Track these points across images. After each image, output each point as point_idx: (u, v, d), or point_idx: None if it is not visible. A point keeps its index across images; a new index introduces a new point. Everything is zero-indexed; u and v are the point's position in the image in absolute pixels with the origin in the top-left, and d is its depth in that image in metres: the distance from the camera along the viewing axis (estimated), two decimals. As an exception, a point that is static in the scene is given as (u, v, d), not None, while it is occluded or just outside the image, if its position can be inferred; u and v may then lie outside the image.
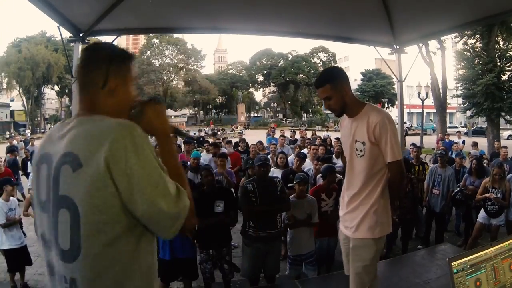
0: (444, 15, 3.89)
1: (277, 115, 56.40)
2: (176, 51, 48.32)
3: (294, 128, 25.29)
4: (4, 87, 38.00)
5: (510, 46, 14.72)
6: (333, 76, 1.93)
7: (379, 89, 37.50)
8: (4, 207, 3.89)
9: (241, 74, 54.03)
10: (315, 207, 3.64)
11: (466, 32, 14.39)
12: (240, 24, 4.64)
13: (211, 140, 8.96)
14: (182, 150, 7.09)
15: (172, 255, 3.31)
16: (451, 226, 5.79)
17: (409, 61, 5.23)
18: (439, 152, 5.63)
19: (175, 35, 45.98)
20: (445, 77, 17.31)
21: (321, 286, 3.16)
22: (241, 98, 50.48)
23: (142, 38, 59.58)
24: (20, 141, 15.16)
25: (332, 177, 3.83)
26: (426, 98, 19.68)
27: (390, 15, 4.01)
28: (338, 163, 5.51)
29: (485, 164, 5.79)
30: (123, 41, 72.20)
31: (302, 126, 34.76)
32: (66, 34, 3.77)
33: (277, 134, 10.94)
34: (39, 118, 39.94)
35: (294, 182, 3.74)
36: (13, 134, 26.76)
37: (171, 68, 47.65)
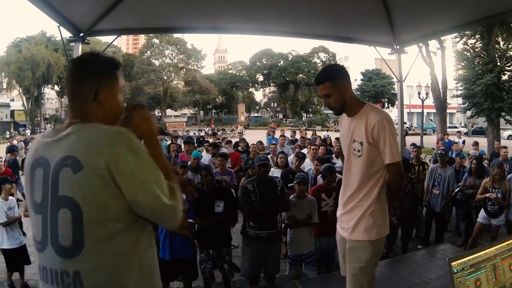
0: (444, 15, 3.90)
1: (277, 115, 56.41)
2: (176, 51, 48.31)
3: (294, 128, 25.29)
4: (4, 87, 38.04)
5: (510, 46, 14.71)
6: (333, 74, 1.91)
7: (379, 89, 37.52)
8: (4, 206, 3.89)
9: (241, 74, 54.02)
10: (315, 207, 3.64)
11: (466, 32, 14.38)
12: (240, 24, 4.64)
13: (211, 140, 8.97)
14: (183, 150, 7.10)
15: (172, 255, 3.31)
16: (451, 226, 5.79)
17: (409, 61, 5.24)
18: (439, 152, 5.62)
19: (175, 35, 46.04)
20: (445, 77, 17.31)
21: (321, 286, 3.16)
22: (241, 98, 50.47)
23: (142, 38, 59.57)
24: (20, 141, 15.18)
25: (332, 177, 3.83)
26: (426, 98, 19.68)
27: (390, 15, 4.01)
28: (338, 163, 5.51)
29: (485, 164, 5.79)
30: (123, 41, 72.38)
31: (302, 126, 34.76)
32: (66, 34, 3.77)
33: (277, 134, 10.94)
34: (39, 118, 39.97)
35: (294, 182, 3.74)
36: (13, 134, 26.77)
37: (171, 68, 47.62)
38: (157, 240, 3.80)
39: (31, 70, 34.79)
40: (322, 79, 1.89)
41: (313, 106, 53.19)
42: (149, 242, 1.09)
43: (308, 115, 53.28)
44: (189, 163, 5.13)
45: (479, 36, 14.62)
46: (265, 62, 51.70)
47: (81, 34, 3.85)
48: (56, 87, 40.93)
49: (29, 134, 27.16)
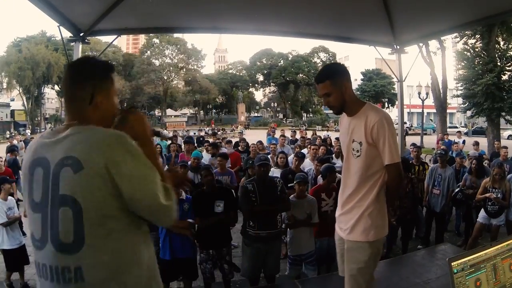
0: (444, 15, 3.89)
1: (277, 115, 56.41)
2: (176, 51, 48.30)
3: (294, 128, 25.28)
4: (4, 86, 38.05)
5: (510, 46, 14.71)
6: (334, 72, 1.88)
7: (379, 89, 37.52)
8: (4, 206, 3.90)
9: (241, 74, 54.01)
10: (315, 207, 3.64)
11: (466, 32, 14.38)
12: (240, 24, 4.64)
13: (211, 140, 8.97)
14: (183, 149, 7.11)
15: (172, 255, 3.32)
16: (451, 226, 5.79)
17: (409, 61, 5.23)
18: (439, 152, 5.62)
19: (175, 35, 46.05)
20: (445, 77, 17.30)
21: (321, 286, 3.16)
22: (241, 98, 50.46)
23: (142, 38, 59.57)
24: (20, 141, 15.15)
25: (332, 177, 3.83)
26: (426, 98, 19.65)
27: (390, 15, 4.00)
28: (338, 163, 5.51)
29: (485, 164, 5.79)
30: (123, 41, 72.39)
31: (302, 126, 34.76)
32: (66, 34, 3.77)
33: (277, 134, 10.94)
34: (39, 118, 39.98)
35: (294, 182, 3.74)
36: (13, 134, 26.75)
37: (171, 68, 47.62)
38: (157, 240, 3.81)
39: (31, 70, 34.80)
40: (322, 77, 1.87)
41: (313, 106, 53.18)
42: (145, 241, 1.13)
43: (308, 115, 53.27)
44: (189, 163, 5.14)
45: (479, 36, 14.62)
46: (265, 62, 51.68)
47: (81, 34, 3.85)
48: (56, 87, 40.94)
49: (29, 134, 27.15)
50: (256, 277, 3.50)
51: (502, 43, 14.84)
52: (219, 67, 69.90)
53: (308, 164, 5.45)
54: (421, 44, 10.90)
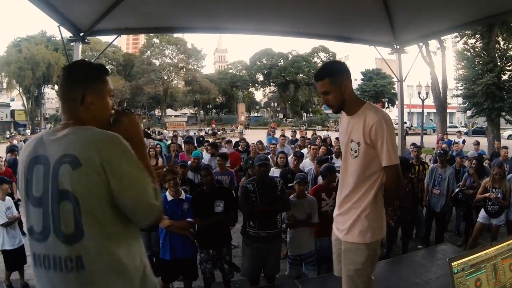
0: (444, 15, 3.89)
1: (277, 115, 56.38)
2: (176, 50, 48.30)
3: (294, 128, 25.27)
4: (4, 86, 38.01)
5: (510, 46, 14.71)
6: (333, 71, 1.85)
7: (380, 89, 37.49)
8: (3, 206, 3.91)
9: (241, 73, 53.99)
10: (315, 207, 3.64)
11: (466, 32, 14.37)
12: (240, 24, 4.64)
13: (211, 140, 8.98)
14: (183, 149, 7.11)
15: (172, 255, 3.31)
16: (451, 226, 5.79)
17: (409, 61, 5.23)
18: (439, 151, 5.62)
19: (175, 35, 46.08)
20: (445, 77, 17.30)
21: (321, 286, 3.16)
22: (241, 98, 50.45)
23: (142, 38, 59.57)
24: (20, 141, 15.20)
25: (332, 177, 3.83)
26: (426, 98, 19.66)
27: (390, 15, 4.00)
28: (337, 162, 5.51)
29: (486, 164, 5.78)
30: (123, 41, 72.37)
31: (302, 126, 34.75)
32: (67, 34, 3.76)
33: (277, 134, 10.93)
34: (39, 118, 39.93)
35: (294, 182, 3.74)
36: (13, 134, 26.77)
37: (171, 68, 47.61)
38: (157, 241, 3.81)
39: (31, 70, 34.77)
40: (322, 75, 1.84)
41: (313, 106, 53.17)
42: (137, 236, 1.21)
43: (308, 115, 53.24)
44: (189, 162, 5.14)
45: (479, 36, 14.62)
46: (265, 61, 51.65)
47: (81, 34, 3.84)
48: (56, 87, 40.87)
49: (29, 134, 27.17)
50: (256, 277, 3.50)
51: (502, 43, 14.84)
52: (219, 67, 69.90)
53: (308, 164, 5.45)
54: (421, 44, 10.92)
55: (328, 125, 38.69)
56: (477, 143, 8.15)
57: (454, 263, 1.34)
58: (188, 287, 3.53)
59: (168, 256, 3.32)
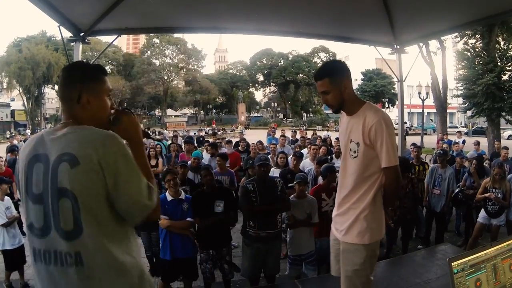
0: (444, 15, 3.88)
1: (278, 115, 56.40)
2: (176, 51, 48.32)
3: (294, 128, 25.27)
4: (5, 86, 38.01)
5: (510, 46, 14.70)
6: (333, 70, 1.84)
7: (380, 89, 37.48)
8: (2, 207, 3.91)
9: (241, 74, 54.00)
10: (315, 207, 3.64)
11: (467, 32, 14.37)
12: (240, 24, 4.63)
13: (211, 140, 8.98)
14: (183, 149, 7.11)
15: (172, 255, 3.32)
16: (451, 226, 5.79)
17: (410, 61, 5.22)
18: (438, 152, 5.62)
19: (176, 35, 46.08)
20: (445, 77, 17.30)
21: (321, 286, 3.16)
22: (242, 98, 50.45)
23: (142, 38, 59.56)
24: (21, 141, 15.19)
25: (332, 177, 3.83)
26: (427, 98, 19.64)
27: (390, 15, 3.99)
28: (337, 162, 5.51)
29: (486, 165, 5.78)
30: (123, 41, 72.38)
31: (303, 126, 34.75)
32: (67, 34, 3.76)
33: (278, 134, 10.93)
34: (39, 118, 39.92)
35: (294, 182, 3.74)
36: (13, 134, 26.78)
37: (171, 68, 47.63)
38: (157, 241, 3.81)
39: (31, 70, 34.76)
40: (321, 75, 1.83)
41: (314, 106, 53.18)
42: (132, 233, 1.23)
43: (308, 115, 53.25)
44: (189, 162, 5.14)
45: (479, 36, 14.62)
46: (265, 62, 51.68)
47: (82, 34, 3.84)
48: (57, 87, 40.87)
49: (29, 134, 27.15)
50: (256, 277, 3.50)
51: (502, 43, 14.84)
52: (219, 67, 69.93)
53: (308, 164, 5.45)
54: (421, 44, 10.90)
55: (328, 125, 38.68)
56: (477, 143, 8.15)
57: (454, 263, 1.34)
58: (188, 287, 3.54)
59: (168, 256, 3.32)
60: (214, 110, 57.98)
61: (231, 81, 52.24)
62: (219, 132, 24.93)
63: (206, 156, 6.18)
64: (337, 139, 7.09)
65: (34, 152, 1.15)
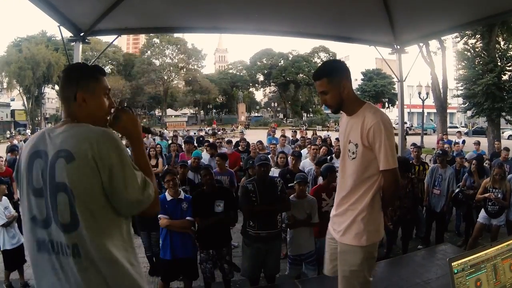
0: (444, 15, 3.88)
1: (278, 115, 56.39)
2: (176, 50, 48.32)
3: (295, 128, 25.27)
4: (5, 86, 38.01)
5: (510, 46, 14.71)
6: (332, 70, 1.82)
7: (380, 89, 37.49)
8: (1, 207, 3.92)
9: (241, 73, 53.98)
10: (315, 207, 3.64)
11: (467, 32, 14.38)
12: (240, 24, 4.63)
13: (211, 140, 8.98)
14: (183, 149, 7.11)
15: (172, 255, 3.32)
16: (452, 226, 5.79)
17: (410, 61, 5.21)
18: (438, 152, 5.62)
19: (176, 35, 46.11)
20: (445, 77, 17.31)
21: (321, 286, 3.15)
22: (242, 98, 50.44)
23: (142, 38, 59.54)
24: (21, 140, 15.16)
25: (332, 177, 3.82)
26: (427, 98, 19.64)
27: (390, 15, 3.99)
28: (337, 163, 5.49)
29: (486, 165, 5.77)
30: (123, 41, 72.39)
31: (303, 126, 34.74)
32: (67, 34, 3.76)
33: (278, 134, 10.93)
34: (39, 118, 39.92)
35: (294, 182, 3.74)
36: (13, 134, 26.78)
37: (171, 68, 47.61)
38: (157, 241, 3.81)
39: (31, 70, 34.77)
40: (319, 75, 1.80)
41: (314, 106, 53.18)
42: (126, 220, 1.25)
43: (308, 115, 53.26)
44: (189, 162, 5.14)
45: (479, 36, 14.63)
46: (265, 61, 51.67)
47: (82, 34, 3.84)
48: (57, 87, 40.83)
49: (29, 134, 27.13)
50: (256, 277, 3.50)
51: (502, 43, 14.84)
52: (220, 67, 69.93)
53: (308, 164, 5.45)
54: (421, 44, 10.88)
55: (328, 125, 38.69)
56: (478, 143, 8.15)
57: (454, 263, 1.34)
58: (188, 287, 3.54)
59: (168, 256, 3.32)
60: (214, 110, 57.98)
61: (231, 81, 52.24)
62: (219, 132, 24.92)
63: (205, 156, 6.18)
64: (337, 139, 7.09)
65: (35, 149, 1.21)
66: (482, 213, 4.54)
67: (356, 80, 37.31)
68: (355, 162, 1.79)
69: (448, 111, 19.99)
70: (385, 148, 1.69)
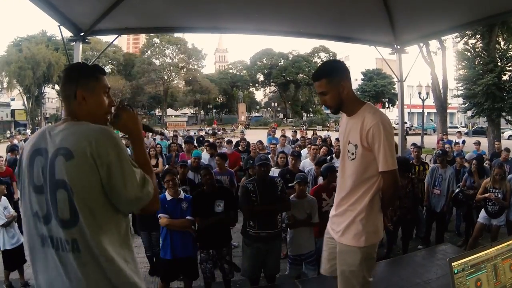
0: (444, 15, 3.88)
1: (278, 115, 56.39)
2: (176, 50, 48.30)
3: (295, 128, 25.26)
4: (5, 86, 38.00)
5: (510, 46, 14.71)
6: (331, 71, 1.81)
7: (380, 89, 37.47)
8: (0, 207, 3.91)
9: (241, 73, 54.01)
10: (315, 207, 3.64)
11: (467, 32, 14.39)
12: (241, 24, 4.63)
13: (211, 140, 8.98)
14: (183, 149, 7.11)
15: (172, 254, 3.32)
16: (452, 226, 5.79)
17: (410, 61, 5.21)
18: (437, 152, 5.62)
19: (176, 35, 46.14)
20: (445, 77, 17.31)
21: (321, 286, 3.15)
22: (242, 98, 50.46)
23: (142, 38, 59.56)
24: (21, 140, 15.16)
25: (332, 177, 3.82)
26: (427, 98, 19.63)
27: (390, 15, 3.99)
28: (337, 163, 5.49)
29: (486, 165, 5.77)
30: (123, 41, 72.40)
31: (303, 126, 34.74)
32: (67, 34, 3.76)
33: (278, 134, 10.92)
34: (39, 118, 39.91)
35: (294, 182, 3.74)
36: (13, 134, 26.77)
37: (171, 68, 47.59)
38: (157, 241, 3.81)
39: (31, 70, 34.76)
40: (319, 75, 1.80)
41: (314, 106, 53.19)
42: (124, 218, 1.26)
43: (308, 115, 53.26)
44: (189, 162, 5.14)
45: (479, 36, 14.63)
46: (265, 61, 51.68)
47: (82, 34, 3.84)
48: (57, 87, 40.73)
49: (29, 134, 27.12)
50: (256, 277, 3.50)
51: (502, 43, 14.84)
52: (220, 67, 69.94)
53: (308, 164, 5.45)
54: (421, 44, 10.87)
55: (328, 125, 38.69)
56: (478, 143, 8.15)
57: (455, 263, 1.34)
58: (189, 286, 3.54)
59: (168, 256, 3.32)
60: (214, 110, 57.98)
61: (231, 81, 52.24)
62: (219, 132, 24.91)
63: (205, 156, 6.18)
64: (337, 139, 7.08)
65: (36, 146, 1.23)
66: (482, 213, 4.54)
67: (356, 80, 37.30)
68: (354, 163, 1.79)
69: (448, 111, 19.99)
70: (384, 149, 1.68)
